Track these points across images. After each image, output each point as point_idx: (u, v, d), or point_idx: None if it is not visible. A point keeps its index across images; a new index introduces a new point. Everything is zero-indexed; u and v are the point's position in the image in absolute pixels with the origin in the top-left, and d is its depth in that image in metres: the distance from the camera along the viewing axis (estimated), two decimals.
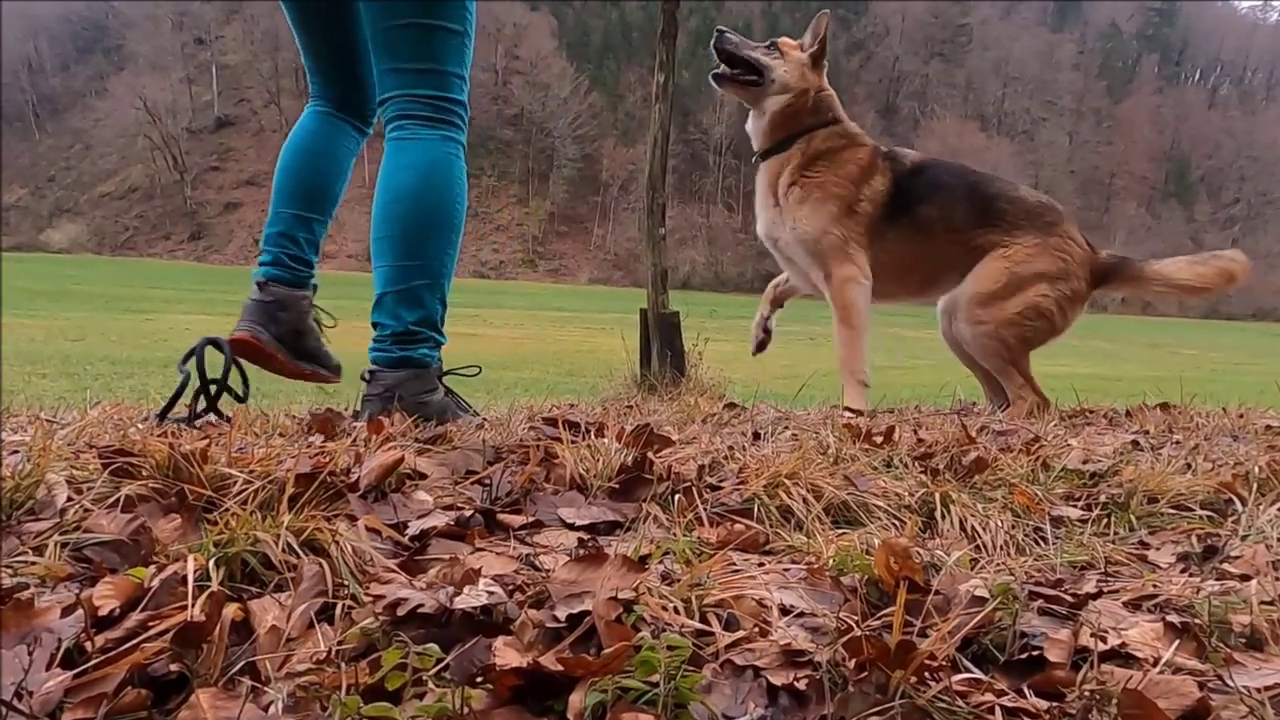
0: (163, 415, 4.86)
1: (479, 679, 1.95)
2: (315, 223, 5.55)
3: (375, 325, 4.91)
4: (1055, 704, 2.03)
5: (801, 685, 2.00)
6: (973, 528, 3.31)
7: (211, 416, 4.96)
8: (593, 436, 4.09)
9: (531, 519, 3.13)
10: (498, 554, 2.72)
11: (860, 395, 6.92)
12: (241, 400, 5.21)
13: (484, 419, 5.02)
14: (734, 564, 2.66)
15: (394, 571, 2.51)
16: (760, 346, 8.13)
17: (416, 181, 4.82)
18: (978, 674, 2.13)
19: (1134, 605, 2.59)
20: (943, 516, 3.41)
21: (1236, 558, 3.11)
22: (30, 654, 1.92)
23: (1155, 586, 2.68)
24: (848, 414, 6.08)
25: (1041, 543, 3.28)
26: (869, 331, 6.96)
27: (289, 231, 5.51)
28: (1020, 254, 6.75)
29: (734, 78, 7.45)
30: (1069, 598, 2.52)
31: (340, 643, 2.10)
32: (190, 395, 4.89)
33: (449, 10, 4.72)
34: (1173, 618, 2.44)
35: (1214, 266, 7.20)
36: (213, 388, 5.00)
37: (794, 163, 7.11)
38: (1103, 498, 3.77)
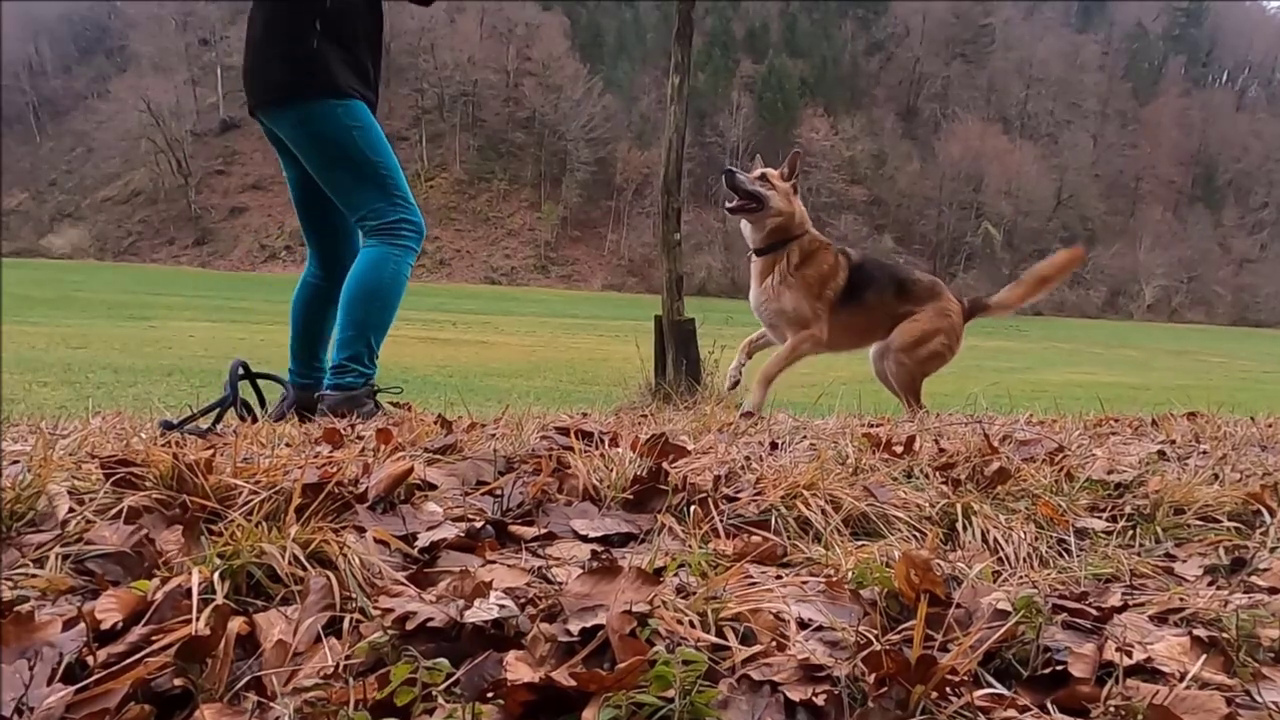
0: (180, 425, 5.05)
1: (490, 694, 1.95)
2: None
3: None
4: None
5: (820, 701, 2.00)
6: (995, 539, 3.31)
7: (219, 427, 5.10)
8: (606, 446, 4.08)
9: (544, 531, 3.13)
10: (509, 566, 2.72)
11: (762, 396, 9.33)
12: (254, 419, 5.81)
13: (478, 424, 5.03)
14: (751, 577, 2.66)
15: (403, 584, 2.50)
16: (734, 386, 10.10)
17: (355, 280, 6.82)
18: (1000, 689, 2.13)
19: (1160, 619, 2.59)
20: (964, 528, 3.41)
21: (1265, 570, 3.10)
22: (31, 669, 1.92)
23: (1182, 600, 2.68)
24: (743, 414, 7.42)
25: (1065, 555, 3.27)
26: (796, 363, 9.58)
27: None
28: (925, 319, 9.66)
29: (743, 207, 9.57)
30: (1094, 611, 2.51)
31: (348, 657, 2.10)
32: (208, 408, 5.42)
33: (358, 156, 6.76)
34: (1200, 632, 2.43)
35: (1025, 283, 10.38)
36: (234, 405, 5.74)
37: (784, 263, 9.53)
38: (1128, 509, 3.76)
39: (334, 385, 6.74)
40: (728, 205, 9.68)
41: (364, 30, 6.98)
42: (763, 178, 9.62)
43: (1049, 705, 2.09)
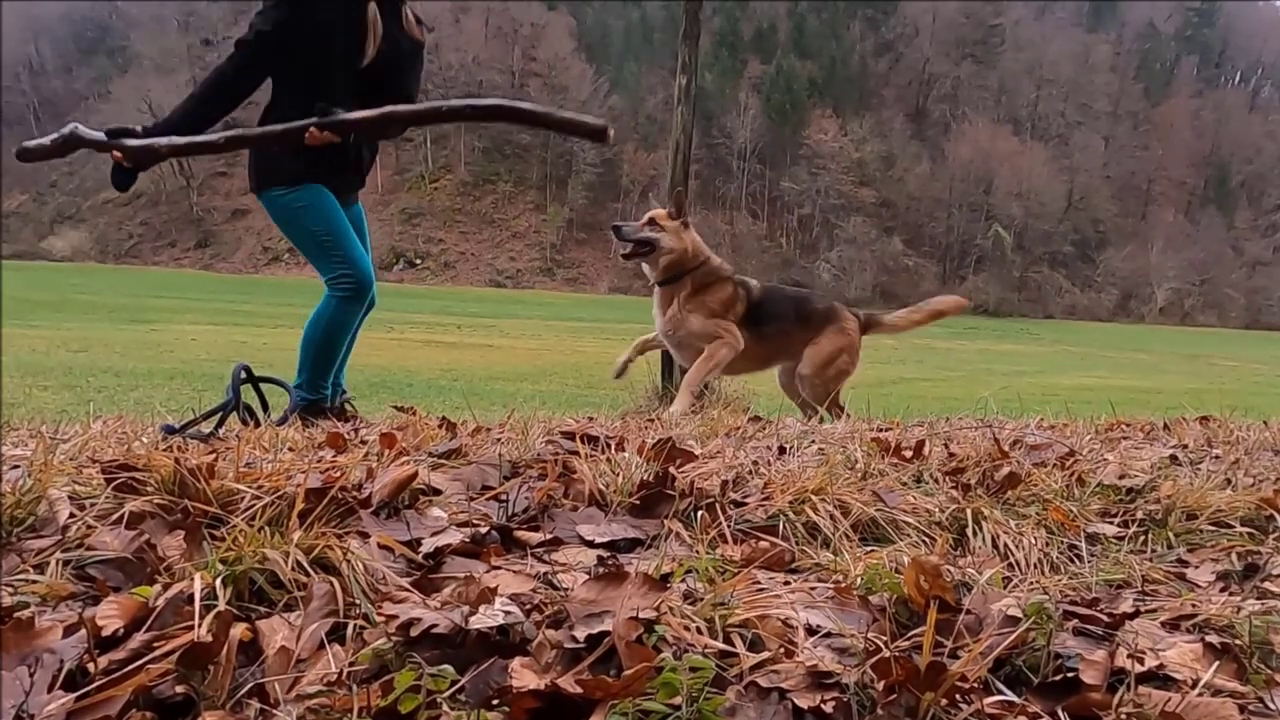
0: (182, 429, 5.06)
1: (495, 701, 1.95)
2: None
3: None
4: None
5: (828, 708, 2.00)
6: (1005, 545, 3.31)
7: (221, 431, 5.11)
8: (613, 451, 4.09)
9: (549, 536, 3.13)
10: (514, 572, 2.72)
11: (688, 403, 9.78)
12: (256, 424, 5.82)
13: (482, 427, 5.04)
14: (759, 583, 2.66)
15: (407, 590, 2.51)
16: (619, 375, 11.10)
17: (307, 324, 8.13)
18: (1011, 696, 2.13)
19: (1172, 625, 2.59)
20: (974, 533, 3.41)
21: (1278, 576, 3.10)
22: (31, 675, 1.93)
23: (1194, 606, 2.68)
24: (676, 413, 8.58)
25: (1076, 561, 3.27)
26: (716, 372, 10.31)
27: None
28: (826, 342, 10.37)
29: (635, 252, 10.35)
30: (1105, 617, 2.51)
31: (352, 664, 2.10)
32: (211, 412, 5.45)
33: (301, 237, 8.21)
34: (1212, 638, 2.44)
35: (924, 310, 10.87)
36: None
37: (684, 292, 10.22)
38: (1140, 514, 3.76)
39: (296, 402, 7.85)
40: (622, 253, 10.72)
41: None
42: (651, 221, 10.45)
43: (1060, 712, 2.09)
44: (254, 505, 2.93)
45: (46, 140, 6.57)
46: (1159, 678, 2.23)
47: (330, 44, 7.83)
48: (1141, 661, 2.25)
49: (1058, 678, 2.23)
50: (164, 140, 6.72)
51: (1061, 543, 3.40)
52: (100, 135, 6.60)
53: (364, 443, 4.58)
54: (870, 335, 10.85)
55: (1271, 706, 2.12)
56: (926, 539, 3.38)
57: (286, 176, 8.02)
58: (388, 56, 8.10)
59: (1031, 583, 2.90)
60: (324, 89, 7.55)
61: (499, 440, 4.62)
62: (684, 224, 10.40)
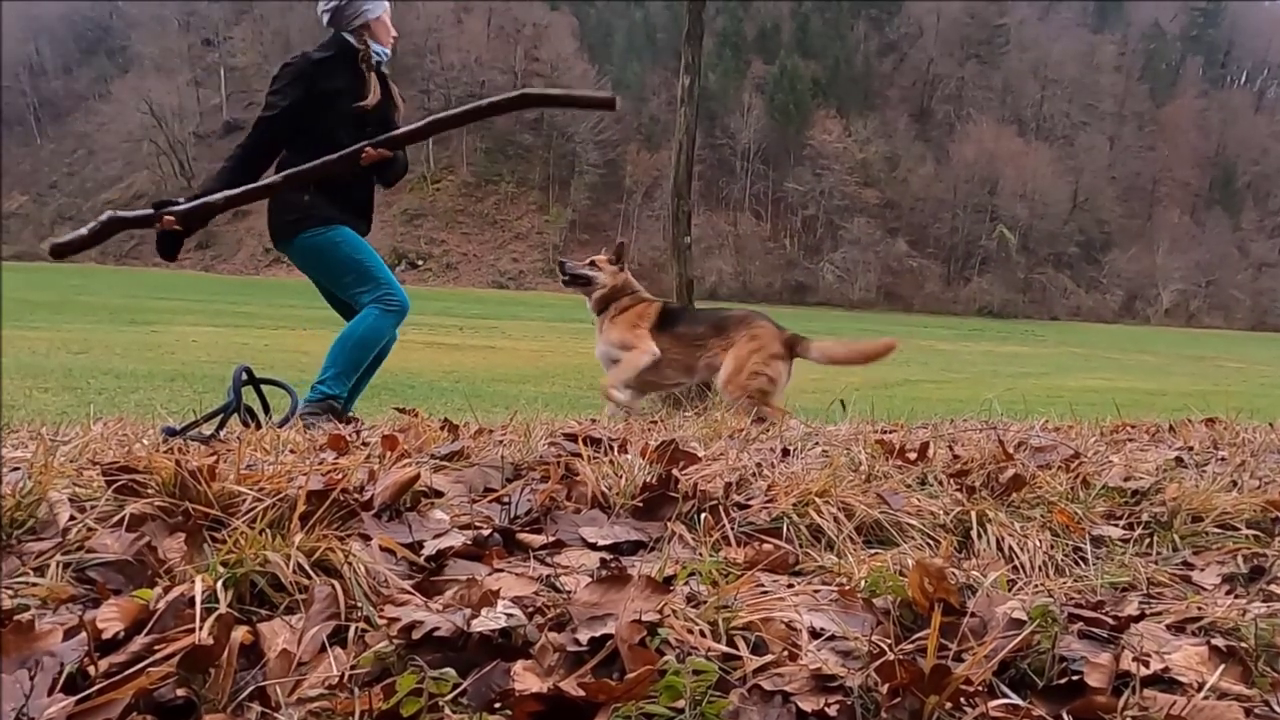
0: (183, 431, 5.06)
1: (497, 705, 1.95)
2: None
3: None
4: None
5: (832, 711, 2.00)
6: (1010, 548, 3.31)
7: (222, 433, 5.12)
8: (615, 453, 4.09)
9: (552, 538, 3.13)
10: (517, 575, 2.73)
11: (612, 408, 10.46)
12: (258, 426, 5.84)
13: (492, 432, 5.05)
14: (762, 585, 2.66)
15: (409, 593, 2.51)
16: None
17: (349, 326, 8.77)
18: (1015, 699, 2.13)
19: (1178, 628, 2.59)
20: (979, 536, 3.41)
21: None
22: (32, 678, 1.93)
23: (1200, 609, 2.68)
24: (603, 417, 9.02)
25: (1081, 563, 3.27)
26: (632, 375, 10.67)
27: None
28: (735, 350, 10.66)
29: (573, 283, 11.39)
30: (1110, 620, 2.51)
31: (353, 667, 2.11)
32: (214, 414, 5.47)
33: (342, 268, 8.92)
34: (1218, 641, 2.44)
35: (853, 349, 11.15)
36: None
37: (610, 315, 11.04)
38: (1145, 516, 3.76)
39: (309, 397, 8.37)
40: (562, 281, 11.74)
41: (355, 177, 8.92)
42: (592, 264, 11.53)
43: (1065, 716, 2.09)
44: (255, 507, 2.93)
45: (83, 231, 6.69)
46: (1164, 681, 2.23)
47: (337, 105, 8.83)
48: (1147, 665, 2.25)
49: (1062, 681, 2.23)
50: (219, 195, 7.70)
51: (1066, 545, 3.40)
52: (141, 212, 7.42)
53: (366, 445, 4.59)
54: (799, 358, 11.15)
55: (1277, 710, 2.12)
56: (931, 541, 3.38)
57: (319, 219, 8.83)
58: (382, 109, 9.25)
59: (1036, 585, 2.90)
60: (333, 144, 8.25)
61: (501, 442, 4.62)
62: (620, 268, 11.46)
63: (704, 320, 11.37)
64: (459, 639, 2.17)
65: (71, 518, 2.85)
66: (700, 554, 2.99)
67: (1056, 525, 3.56)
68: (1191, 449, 5.93)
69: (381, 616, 2.29)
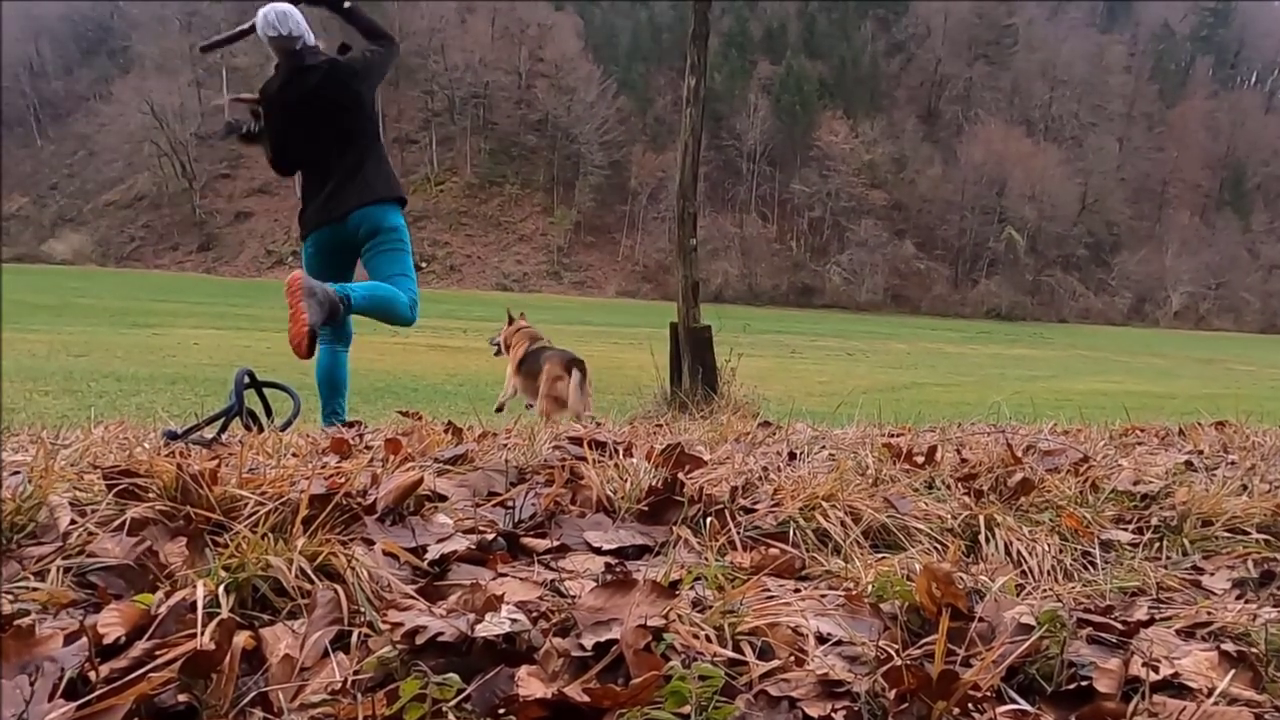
0: (184, 435, 5.06)
1: (501, 710, 1.95)
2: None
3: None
4: None
5: (839, 717, 2.00)
6: (1018, 552, 3.31)
7: (224, 437, 5.14)
8: (620, 456, 4.09)
9: (556, 543, 3.13)
10: (521, 579, 2.72)
11: (500, 402, 13.47)
12: (260, 429, 5.84)
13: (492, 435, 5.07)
14: (768, 590, 2.66)
15: (412, 598, 2.51)
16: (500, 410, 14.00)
17: (389, 290, 9.45)
18: (1024, 705, 2.13)
19: (1187, 633, 2.59)
20: (987, 540, 3.41)
21: None
22: (32, 684, 1.92)
23: (1210, 614, 2.67)
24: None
25: (1090, 568, 3.27)
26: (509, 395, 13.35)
27: None
28: (542, 376, 12.64)
29: (499, 354, 13.98)
30: (1119, 625, 2.51)
31: (356, 672, 2.10)
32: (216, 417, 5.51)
33: (407, 250, 9.87)
34: (1228, 646, 2.43)
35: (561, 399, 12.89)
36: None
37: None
38: (1154, 521, 3.76)
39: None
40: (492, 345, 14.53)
41: None
42: (505, 339, 14.00)
43: None
44: (257, 511, 2.93)
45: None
46: (1174, 686, 2.23)
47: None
48: (1156, 670, 2.25)
49: (1071, 686, 2.23)
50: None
51: (1075, 550, 3.40)
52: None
53: (369, 448, 4.59)
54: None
55: None
56: (938, 546, 3.38)
57: (403, 196, 10.07)
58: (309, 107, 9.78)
59: (1045, 590, 2.90)
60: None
61: (506, 446, 4.62)
62: (516, 331, 13.92)
63: (537, 357, 13.34)
64: (463, 644, 2.17)
65: (72, 522, 2.85)
66: (706, 558, 2.98)
67: (1065, 529, 3.56)
68: (1201, 452, 5.93)
69: (385, 621, 2.29)
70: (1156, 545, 3.53)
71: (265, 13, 9.61)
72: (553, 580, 2.73)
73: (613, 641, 2.18)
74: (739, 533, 3.26)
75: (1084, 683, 2.22)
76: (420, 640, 2.16)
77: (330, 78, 9.67)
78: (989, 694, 2.09)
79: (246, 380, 6.39)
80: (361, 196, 9.67)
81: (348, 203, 9.62)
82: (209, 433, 5.36)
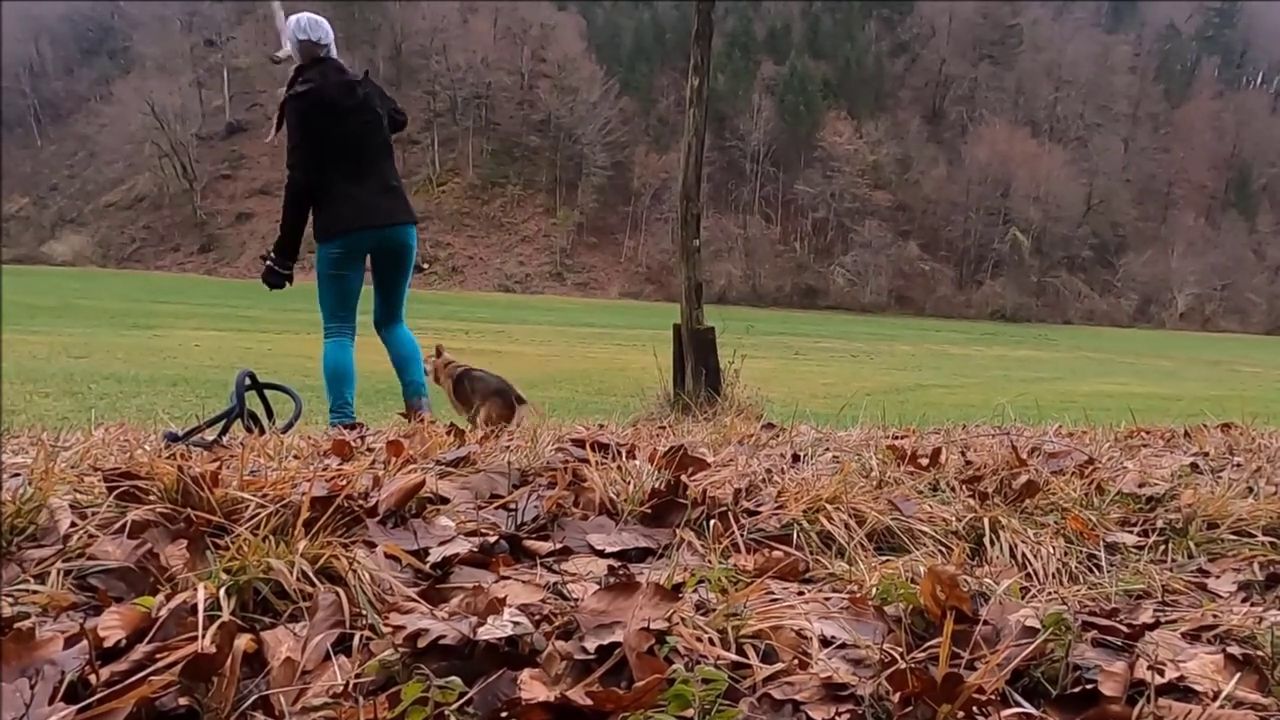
0: (185, 437, 5.07)
1: (504, 714, 1.95)
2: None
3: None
4: None
5: None
6: (1023, 555, 3.31)
7: (225, 439, 5.15)
8: (623, 459, 4.09)
9: (559, 545, 3.13)
10: (524, 582, 2.72)
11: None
12: (261, 431, 5.85)
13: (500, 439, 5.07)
14: (772, 593, 2.66)
15: (414, 601, 2.51)
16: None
17: (413, 345, 10.64)
18: (1029, 708, 2.13)
19: (1193, 636, 2.59)
20: (992, 543, 3.40)
21: None
22: (32, 687, 1.93)
23: (1215, 616, 2.67)
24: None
25: (1096, 570, 3.27)
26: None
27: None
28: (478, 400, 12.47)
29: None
30: (1124, 628, 2.50)
31: (358, 675, 2.10)
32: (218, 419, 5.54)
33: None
34: (1234, 649, 2.43)
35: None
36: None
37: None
38: (1160, 523, 3.76)
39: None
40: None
41: None
42: (434, 368, 13.03)
43: None
44: (258, 514, 2.93)
45: None
46: (1179, 690, 2.23)
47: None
48: (1162, 673, 2.25)
49: (1076, 689, 2.23)
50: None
51: (1080, 552, 3.40)
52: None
53: (370, 450, 4.59)
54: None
55: None
56: (943, 548, 3.38)
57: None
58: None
59: (1050, 593, 2.90)
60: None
61: (508, 448, 4.62)
62: (442, 363, 13.17)
63: (463, 382, 13.11)
64: (465, 647, 2.17)
65: (72, 524, 2.85)
66: (709, 561, 2.99)
67: (1070, 532, 3.55)
68: (1207, 454, 5.92)
69: (386, 624, 2.29)
70: (1162, 548, 3.53)
71: (299, 18, 10.20)
72: (555, 583, 2.73)
73: (616, 644, 2.18)
74: (742, 535, 3.26)
75: (1089, 686, 2.22)
76: (422, 643, 2.16)
77: (379, 92, 10.40)
78: (994, 697, 2.09)
79: (247, 382, 6.39)
80: (410, 213, 10.60)
81: (399, 215, 10.39)
82: (210, 435, 5.37)
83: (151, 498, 3.05)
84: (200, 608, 2.20)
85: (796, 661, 2.25)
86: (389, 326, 10.87)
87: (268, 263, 10.13)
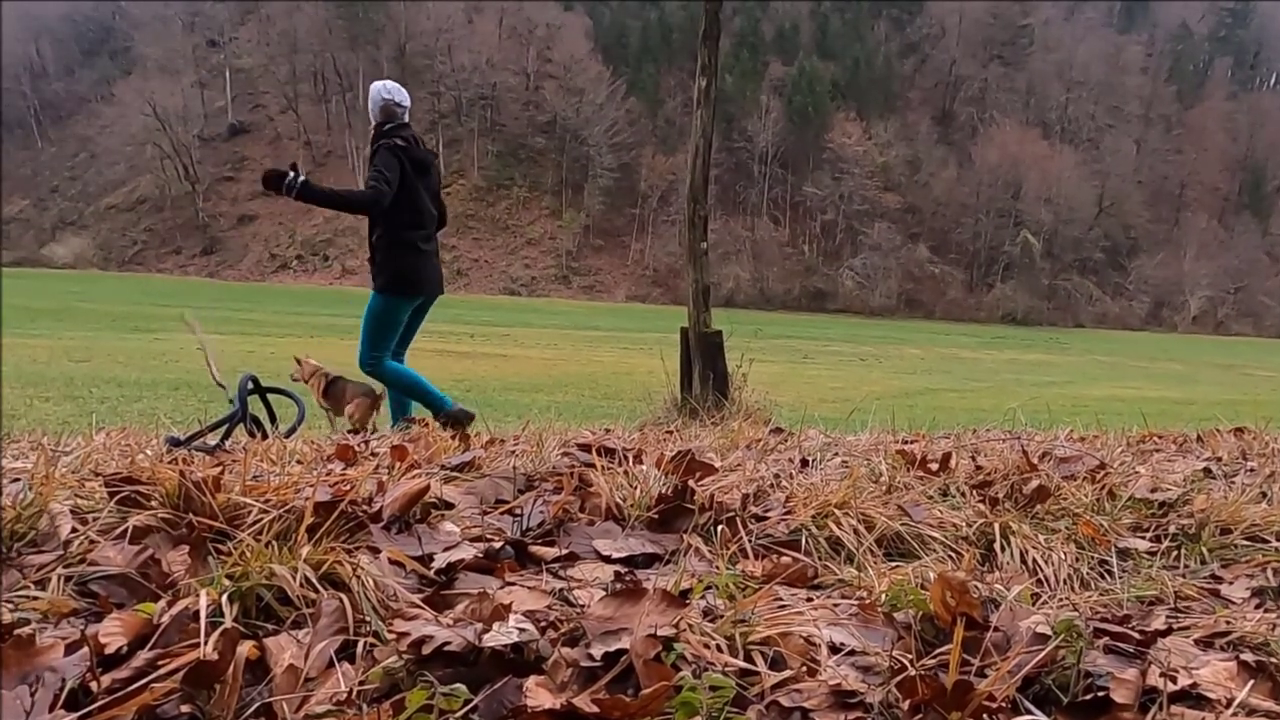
0: (187, 441, 5.08)
1: None
2: None
3: None
4: None
5: None
6: (1034, 560, 3.31)
7: (227, 443, 5.15)
8: (630, 463, 4.09)
9: (565, 551, 3.13)
10: (529, 588, 2.72)
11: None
12: (264, 435, 5.87)
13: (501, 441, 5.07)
14: (780, 599, 2.66)
15: (419, 607, 2.50)
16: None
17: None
18: (1040, 716, 2.13)
19: (1206, 643, 2.59)
20: (1002, 548, 3.40)
21: None
22: (33, 694, 1.93)
23: (1228, 623, 2.67)
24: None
25: (1107, 576, 3.27)
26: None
27: None
28: (350, 400, 14.26)
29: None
30: (1136, 635, 2.50)
31: (362, 683, 2.10)
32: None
33: None
34: (1247, 656, 2.43)
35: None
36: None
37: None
38: (1172, 529, 3.76)
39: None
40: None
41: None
42: (305, 372, 14.78)
43: None
44: (261, 519, 2.93)
45: None
46: (1192, 697, 2.23)
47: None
48: (1174, 680, 2.25)
49: (1088, 697, 2.23)
50: None
51: (1092, 558, 3.40)
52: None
53: (374, 455, 4.59)
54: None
55: None
56: (953, 554, 3.38)
57: None
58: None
59: (1061, 599, 2.90)
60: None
61: (513, 453, 4.62)
62: (313, 367, 14.86)
63: (337, 386, 14.76)
64: (470, 654, 2.17)
65: (73, 530, 2.85)
66: (717, 567, 2.99)
67: (1082, 537, 3.55)
68: (1220, 459, 5.92)
69: (391, 631, 2.29)
70: (1174, 553, 3.53)
71: (385, 83, 11.52)
72: (561, 589, 2.73)
73: (622, 651, 2.18)
74: (750, 541, 3.26)
75: (1101, 693, 2.22)
76: (427, 650, 2.16)
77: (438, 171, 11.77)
78: (1004, 705, 2.09)
79: (250, 386, 6.39)
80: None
81: (442, 283, 11.61)
82: (212, 439, 5.38)
83: (153, 503, 3.05)
84: (202, 614, 2.21)
85: (805, 668, 2.25)
86: (399, 359, 11.49)
87: (291, 173, 10.39)
